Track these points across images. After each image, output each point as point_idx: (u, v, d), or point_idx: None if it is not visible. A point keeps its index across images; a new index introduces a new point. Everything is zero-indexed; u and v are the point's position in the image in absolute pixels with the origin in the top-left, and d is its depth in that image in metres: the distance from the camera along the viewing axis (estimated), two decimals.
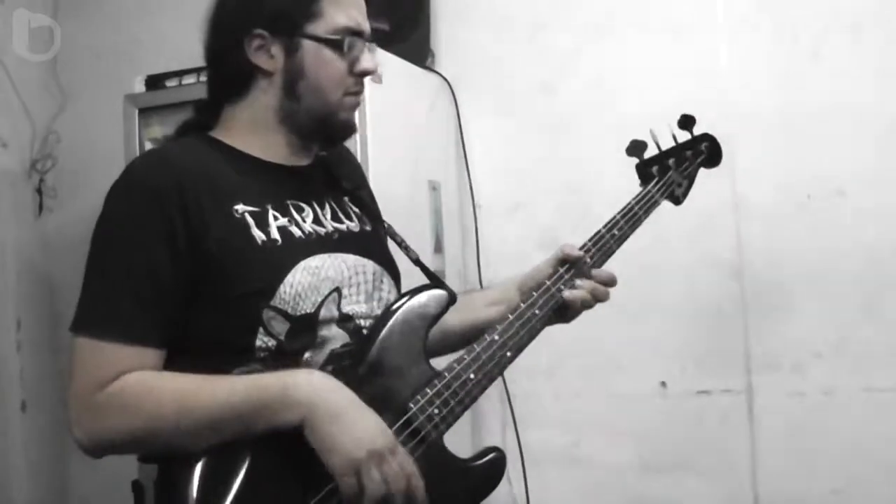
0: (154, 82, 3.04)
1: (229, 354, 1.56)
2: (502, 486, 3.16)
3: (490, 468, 1.75)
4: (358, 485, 1.47)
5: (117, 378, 1.50)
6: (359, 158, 2.68)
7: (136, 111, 3.02)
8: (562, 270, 1.84)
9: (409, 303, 1.71)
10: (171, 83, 3.01)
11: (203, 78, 2.98)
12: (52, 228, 3.82)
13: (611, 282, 1.89)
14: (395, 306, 1.70)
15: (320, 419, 1.47)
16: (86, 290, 1.57)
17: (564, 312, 1.84)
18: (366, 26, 1.70)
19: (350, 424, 1.48)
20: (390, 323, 1.68)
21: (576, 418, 3.15)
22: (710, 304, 3.03)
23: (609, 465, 3.11)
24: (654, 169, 2.08)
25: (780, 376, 2.97)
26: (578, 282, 1.84)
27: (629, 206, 1.99)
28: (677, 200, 2.12)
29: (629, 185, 3.08)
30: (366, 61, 1.69)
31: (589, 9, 3.23)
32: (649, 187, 2.04)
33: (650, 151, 2.11)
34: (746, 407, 3.00)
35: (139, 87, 3.05)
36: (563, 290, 1.82)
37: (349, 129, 1.76)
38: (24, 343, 3.61)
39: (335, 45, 1.65)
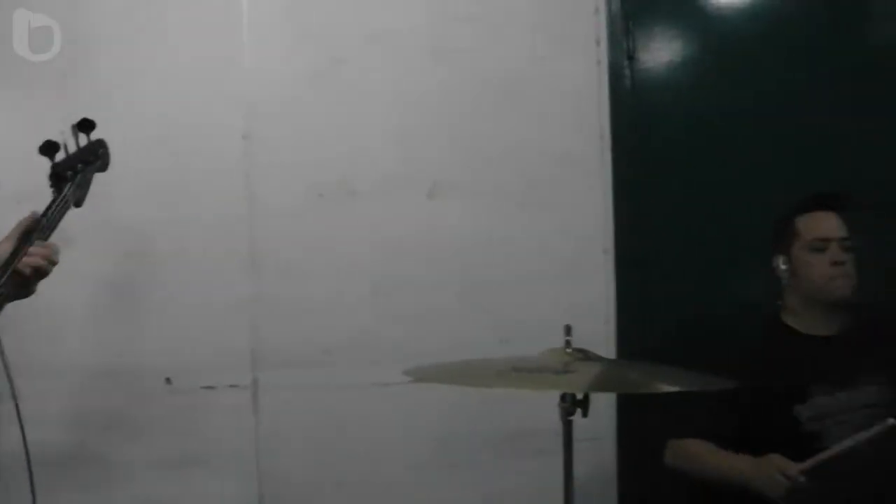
0: None
1: None
2: None
3: None
4: None
5: None
6: None
7: None
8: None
9: None
10: None
11: None
12: None
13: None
14: None
15: None
16: None
17: (26, 284, 2.04)
18: None
19: None
20: None
21: (77, 416, 3.00)
22: (220, 300, 3.03)
23: (118, 461, 2.98)
24: (69, 174, 2.20)
25: (289, 371, 3.03)
26: (32, 249, 2.03)
27: (51, 209, 2.13)
28: (79, 203, 2.22)
29: (139, 183, 3.00)
30: None
31: (105, 7, 3.05)
32: (65, 192, 2.17)
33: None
34: (251, 402, 3.03)
35: None
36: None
37: None
38: None
39: None
